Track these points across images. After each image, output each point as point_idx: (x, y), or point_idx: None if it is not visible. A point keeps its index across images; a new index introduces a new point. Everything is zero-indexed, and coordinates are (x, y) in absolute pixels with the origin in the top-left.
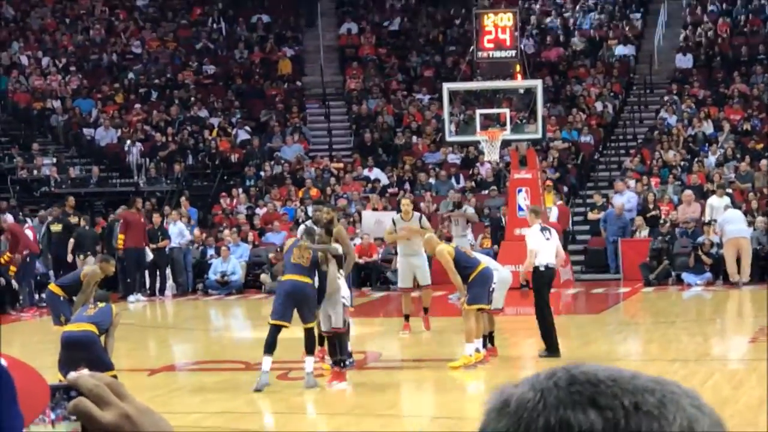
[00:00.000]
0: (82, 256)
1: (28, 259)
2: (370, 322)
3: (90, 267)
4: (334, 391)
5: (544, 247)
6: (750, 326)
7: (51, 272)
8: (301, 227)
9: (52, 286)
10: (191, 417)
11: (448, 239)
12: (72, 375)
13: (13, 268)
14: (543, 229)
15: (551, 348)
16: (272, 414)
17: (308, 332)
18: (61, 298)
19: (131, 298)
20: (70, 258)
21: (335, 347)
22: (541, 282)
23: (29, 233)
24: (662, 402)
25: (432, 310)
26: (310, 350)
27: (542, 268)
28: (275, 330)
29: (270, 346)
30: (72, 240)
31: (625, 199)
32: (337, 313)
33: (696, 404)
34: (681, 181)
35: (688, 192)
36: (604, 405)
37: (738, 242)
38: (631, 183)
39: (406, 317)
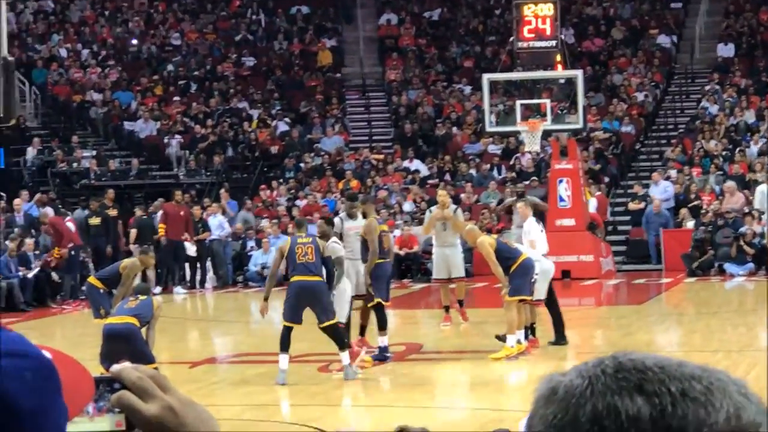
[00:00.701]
0: (145, 246)
1: (72, 252)
2: (411, 314)
3: (130, 259)
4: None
5: (540, 239)
6: None
7: (91, 265)
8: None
9: (92, 279)
10: (232, 409)
11: (489, 230)
12: (115, 367)
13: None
14: (537, 221)
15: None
16: (312, 406)
17: (331, 329)
18: (101, 290)
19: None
20: (132, 247)
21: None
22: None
23: (71, 226)
24: (709, 389)
25: (474, 301)
26: (341, 345)
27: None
28: (287, 330)
29: (284, 345)
30: (134, 230)
31: (662, 188)
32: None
33: (743, 392)
34: (723, 171)
35: (730, 183)
36: (651, 391)
37: None
38: (672, 173)
39: (446, 308)
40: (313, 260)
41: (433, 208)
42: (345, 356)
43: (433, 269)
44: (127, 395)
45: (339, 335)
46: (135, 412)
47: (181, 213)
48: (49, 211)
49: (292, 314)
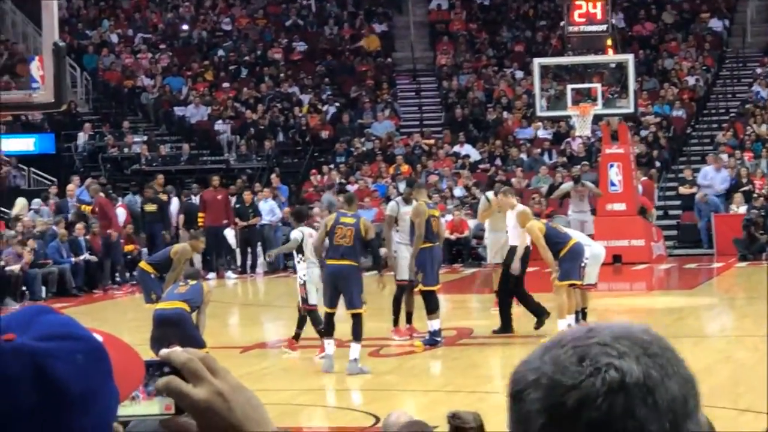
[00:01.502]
0: (196, 231)
1: (115, 239)
2: (462, 299)
3: (180, 245)
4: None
5: (518, 230)
6: None
7: (145, 250)
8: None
9: (143, 264)
10: (283, 394)
11: (537, 214)
12: (165, 351)
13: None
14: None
15: (507, 325)
16: (362, 391)
17: (354, 318)
18: (152, 275)
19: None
20: (182, 233)
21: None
22: (525, 260)
23: (122, 211)
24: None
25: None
26: (356, 336)
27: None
28: (328, 315)
29: (328, 331)
30: (182, 215)
31: (722, 177)
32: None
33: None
34: None
35: None
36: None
37: None
38: (723, 157)
39: (497, 293)
40: (350, 244)
41: (489, 193)
42: (354, 349)
43: (487, 253)
44: (176, 381)
45: (360, 326)
46: (183, 396)
47: (219, 197)
48: (101, 195)
49: (330, 300)
